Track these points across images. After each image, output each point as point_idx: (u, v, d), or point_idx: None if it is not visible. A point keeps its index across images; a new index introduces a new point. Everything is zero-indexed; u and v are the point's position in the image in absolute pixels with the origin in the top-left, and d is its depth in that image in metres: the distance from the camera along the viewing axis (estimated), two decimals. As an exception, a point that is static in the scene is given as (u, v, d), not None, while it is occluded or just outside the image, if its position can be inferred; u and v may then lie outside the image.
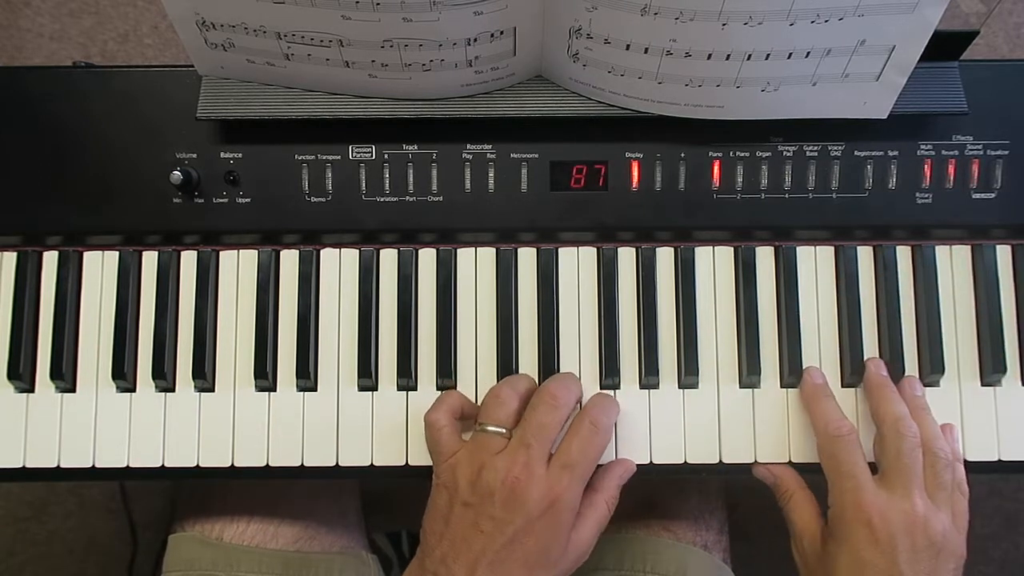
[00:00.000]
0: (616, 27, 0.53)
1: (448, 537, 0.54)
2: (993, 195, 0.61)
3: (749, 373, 0.61)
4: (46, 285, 0.63)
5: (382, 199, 0.61)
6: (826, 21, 0.51)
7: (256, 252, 0.63)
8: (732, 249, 0.63)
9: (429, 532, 0.55)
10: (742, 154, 0.61)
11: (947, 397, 0.62)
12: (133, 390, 0.62)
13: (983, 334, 0.62)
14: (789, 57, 0.53)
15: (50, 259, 0.63)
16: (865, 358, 0.61)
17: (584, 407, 0.58)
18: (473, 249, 0.63)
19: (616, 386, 0.62)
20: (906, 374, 0.61)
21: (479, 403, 0.60)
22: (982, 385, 0.62)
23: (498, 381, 0.60)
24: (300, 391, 0.62)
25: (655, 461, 0.61)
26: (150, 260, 0.63)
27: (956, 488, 0.57)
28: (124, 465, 0.61)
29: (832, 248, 0.63)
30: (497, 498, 0.53)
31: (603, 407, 0.58)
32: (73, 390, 0.62)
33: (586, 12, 0.52)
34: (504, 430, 0.56)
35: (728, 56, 0.53)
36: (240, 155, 0.61)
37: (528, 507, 0.53)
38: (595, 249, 0.63)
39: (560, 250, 0.63)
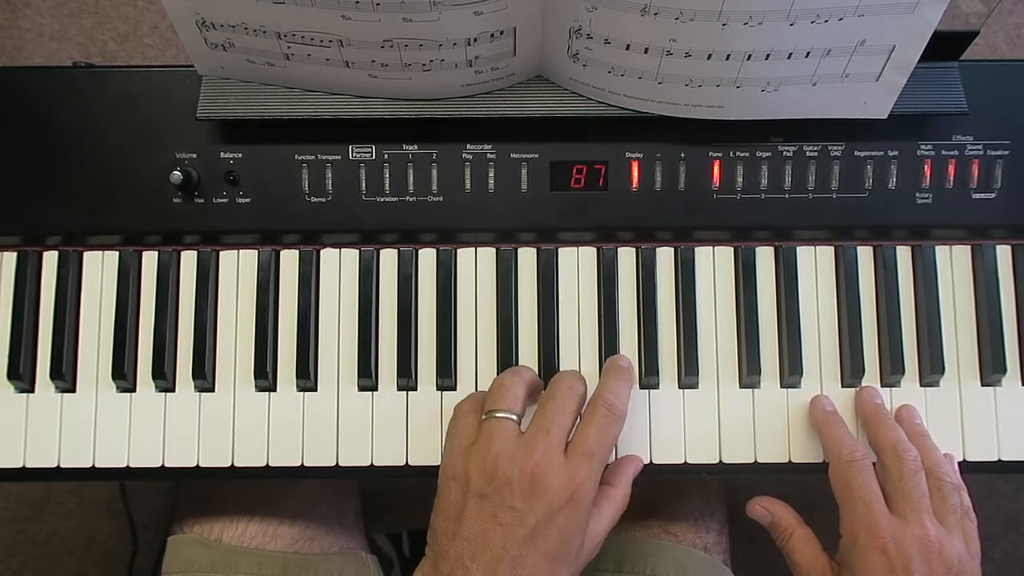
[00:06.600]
0: (616, 27, 0.53)
1: (463, 535, 0.51)
2: (993, 195, 0.61)
3: (749, 373, 0.61)
4: (46, 285, 0.63)
5: (382, 199, 0.61)
6: (826, 21, 0.51)
7: (256, 252, 0.63)
8: (732, 249, 0.63)
9: (440, 532, 0.52)
10: (742, 154, 0.61)
11: (947, 397, 0.62)
12: (133, 390, 0.62)
13: (983, 334, 0.62)
14: (789, 57, 0.53)
15: (50, 259, 0.63)
16: (863, 363, 0.61)
17: (597, 391, 0.56)
18: (473, 249, 0.63)
19: (616, 386, 0.61)
20: (906, 374, 0.61)
21: None
22: (982, 385, 0.62)
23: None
24: (300, 391, 0.62)
25: (655, 461, 0.61)
26: (150, 260, 0.63)
27: (965, 515, 0.56)
28: (124, 465, 0.61)
29: (832, 248, 0.63)
30: (516, 487, 0.50)
31: (616, 391, 0.56)
32: (73, 390, 0.62)
33: (586, 12, 0.52)
34: (514, 416, 0.54)
35: (728, 56, 0.53)
36: (240, 155, 0.61)
37: (549, 497, 0.50)
38: (595, 249, 0.63)
39: (560, 250, 0.63)
